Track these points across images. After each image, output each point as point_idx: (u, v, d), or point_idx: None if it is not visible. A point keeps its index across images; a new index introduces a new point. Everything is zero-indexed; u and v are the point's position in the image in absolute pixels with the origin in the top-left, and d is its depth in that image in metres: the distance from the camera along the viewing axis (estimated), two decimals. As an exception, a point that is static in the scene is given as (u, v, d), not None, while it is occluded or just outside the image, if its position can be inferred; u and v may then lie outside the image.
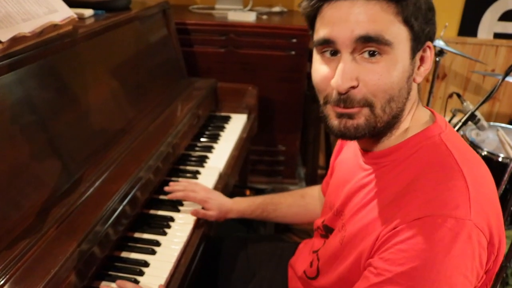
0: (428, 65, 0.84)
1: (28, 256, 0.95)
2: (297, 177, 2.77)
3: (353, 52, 0.77)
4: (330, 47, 0.80)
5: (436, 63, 2.62)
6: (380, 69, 0.77)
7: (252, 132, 2.13)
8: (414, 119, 0.88)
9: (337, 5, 0.77)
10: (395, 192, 0.82)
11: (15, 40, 1.08)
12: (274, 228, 2.30)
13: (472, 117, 1.73)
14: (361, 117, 0.80)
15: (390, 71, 0.77)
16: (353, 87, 0.78)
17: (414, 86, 0.86)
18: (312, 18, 0.83)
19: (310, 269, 1.08)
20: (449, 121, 2.47)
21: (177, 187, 1.42)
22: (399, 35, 0.77)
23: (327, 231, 1.05)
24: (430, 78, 2.76)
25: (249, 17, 2.38)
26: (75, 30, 1.37)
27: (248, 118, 2.09)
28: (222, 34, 2.34)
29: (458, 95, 2.16)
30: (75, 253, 0.99)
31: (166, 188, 1.42)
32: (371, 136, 0.85)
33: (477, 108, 1.75)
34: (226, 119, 2.05)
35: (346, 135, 0.83)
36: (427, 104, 2.76)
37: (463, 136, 2.35)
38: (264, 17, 2.49)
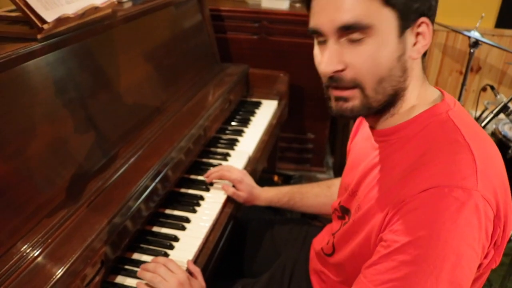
0: (426, 41, 0.83)
1: (67, 225, 1.02)
2: (325, 165, 2.79)
3: (338, 38, 0.80)
4: (319, 36, 0.84)
5: (470, 55, 2.58)
6: (365, 52, 0.79)
7: (282, 118, 2.16)
8: (421, 97, 0.88)
9: None
10: (404, 169, 0.84)
11: (59, 21, 1.14)
12: (301, 213, 2.32)
13: (504, 109, 1.71)
14: (356, 100, 0.84)
15: (375, 53, 0.79)
16: (339, 71, 0.82)
17: (416, 63, 0.86)
18: (307, 5, 0.87)
19: (327, 246, 1.11)
20: (481, 114, 2.44)
21: (214, 171, 1.46)
22: (380, 16, 0.78)
23: (343, 211, 1.07)
24: (463, 70, 2.73)
25: (282, 4, 2.39)
26: (114, 13, 1.42)
27: (279, 104, 2.12)
28: (255, 21, 2.36)
29: (492, 87, 2.13)
30: (109, 225, 1.05)
31: (206, 179, 1.47)
32: (372, 114, 0.88)
33: (510, 100, 1.73)
34: (257, 104, 2.08)
35: (344, 116, 0.87)
36: (459, 97, 2.72)
37: (496, 129, 2.31)
38: (297, 5, 2.50)
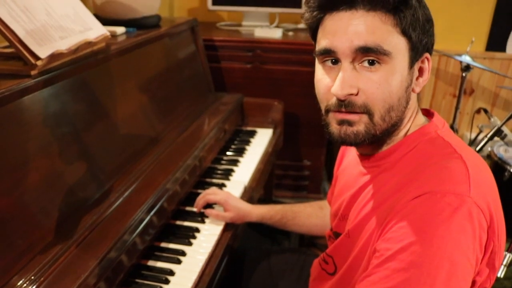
0: (426, 76, 0.87)
1: (61, 261, 1.00)
2: (322, 192, 2.78)
3: (353, 61, 0.81)
4: (331, 57, 0.83)
5: (462, 79, 2.61)
6: (379, 78, 0.80)
7: (278, 147, 2.16)
8: (413, 124, 0.91)
9: (338, 16, 0.81)
10: (396, 183, 0.83)
11: (53, 56, 1.15)
12: (299, 242, 2.30)
13: (498, 132, 1.72)
14: (361, 124, 0.83)
15: (388, 80, 0.80)
16: (353, 95, 0.81)
17: (413, 96, 0.89)
18: (314, 29, 0.88)
19: (327, 265, 1.08)
20: (476, 137, 2.45)
21: (199, 198, 1.45)
22: (397, 45, 0.80)
23: (337, 236, 1.06)
24: (457, 93, 2.75)
25: (275, 33, 2.42)
26: (108, 46, 1.44)
27: (274, 132, 2.12)
28: (249, 50, 2.39)
29: (485, 111, 2.15)
30: (104, 260, 1.03)
31: (196, 209, 1.46)
32: (370, 142, 0.87)
33: (504, 123, 1.74)
34: (252, 133, 2.08)
35: (346, 141, 0.86)
36: (453, 120, 2.73)
37: (491, 152, 2.32)
38: (290, 33, 2.53)
